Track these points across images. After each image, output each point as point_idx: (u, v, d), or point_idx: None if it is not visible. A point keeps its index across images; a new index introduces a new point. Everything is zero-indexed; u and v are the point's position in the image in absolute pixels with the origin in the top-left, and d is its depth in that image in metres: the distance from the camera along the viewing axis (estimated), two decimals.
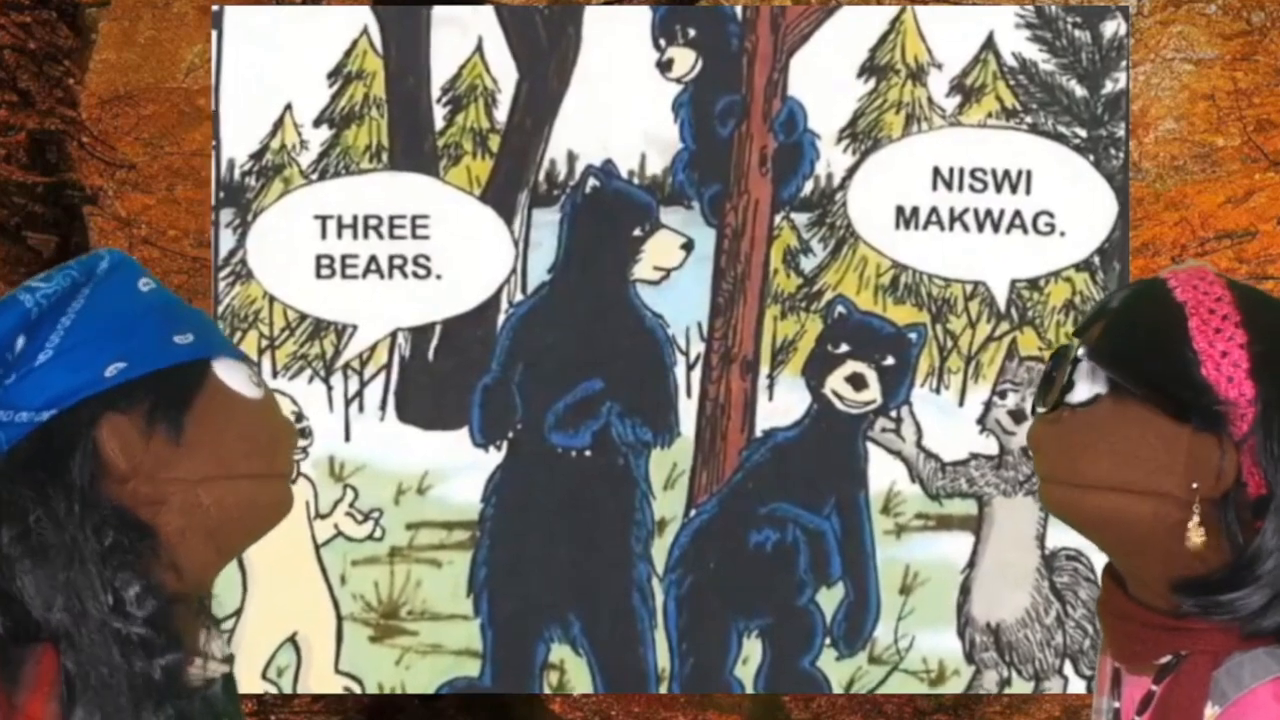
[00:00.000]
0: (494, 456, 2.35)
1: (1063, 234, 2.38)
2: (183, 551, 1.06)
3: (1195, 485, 1.09)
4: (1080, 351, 1.15)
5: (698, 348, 2.35)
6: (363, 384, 2.36)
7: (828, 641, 2.34)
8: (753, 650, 2.35)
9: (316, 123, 2.39)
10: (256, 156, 2.40)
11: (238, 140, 2.39)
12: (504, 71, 2.40)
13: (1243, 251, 8.05)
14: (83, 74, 7.93)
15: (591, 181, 2.36)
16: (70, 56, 7.56)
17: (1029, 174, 2.37)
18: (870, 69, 2.41)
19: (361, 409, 2.36)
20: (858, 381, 2.33)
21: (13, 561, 1.00)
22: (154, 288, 1.12)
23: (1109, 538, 1.16)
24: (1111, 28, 2.40)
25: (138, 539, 1.03)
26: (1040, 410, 1.17)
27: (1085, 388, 1.14)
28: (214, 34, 2.38)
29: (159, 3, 10.18)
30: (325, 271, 2.36)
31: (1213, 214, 8.13)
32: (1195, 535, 1.09)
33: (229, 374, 1.11)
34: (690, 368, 2.35)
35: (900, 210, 2.37)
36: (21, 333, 1.05)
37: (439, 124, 2.40)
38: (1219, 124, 8.64)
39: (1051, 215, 2.38)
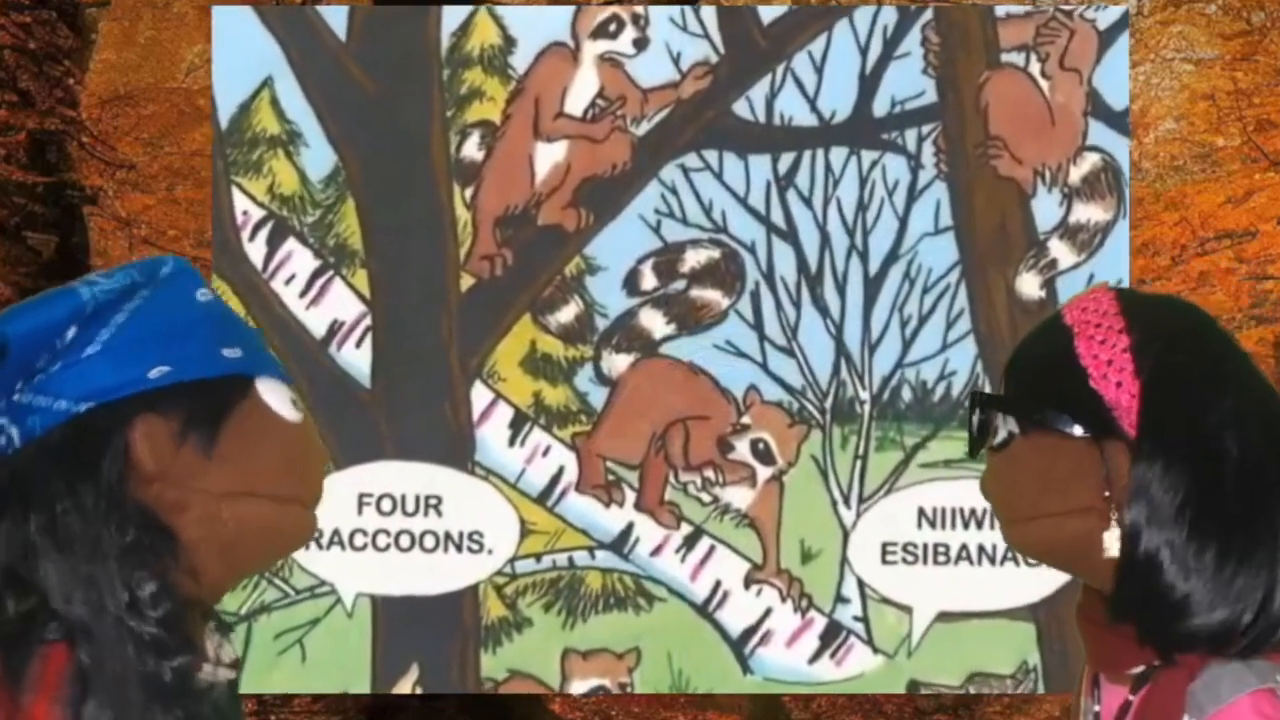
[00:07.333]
0: None
1: None
2: (196, 562, 1.05)
3: (1107, 494, 1.09)
4: (982, 399, 1.17)
5: None
6: None
7: None
8: None
9: None
10: None
11: None
12: None
13: (1243, 251, 8.07)
14: (83, 74, 7.93)
15: None
16: (70, 56, 7.57)
17: None
18: None
19: None
20: None
21: (38, 550, 1.00)
22: (211, 299, 1.11)
23: (1061, 563, 1.16)
24: None
25: (157, 540, 1.03)
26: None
27: (1000, 431, 1.15)
28: None
29: (159, 3, 10.20)
30: None
31: (1213, 214, 8.14)
32: (1112, 544, 1.08)
33: (271, 394, 1.10)
34: None
35: None
36: (74, 323, 1.04)
37: None
38: (1219, 124, 8.65)
39: None
